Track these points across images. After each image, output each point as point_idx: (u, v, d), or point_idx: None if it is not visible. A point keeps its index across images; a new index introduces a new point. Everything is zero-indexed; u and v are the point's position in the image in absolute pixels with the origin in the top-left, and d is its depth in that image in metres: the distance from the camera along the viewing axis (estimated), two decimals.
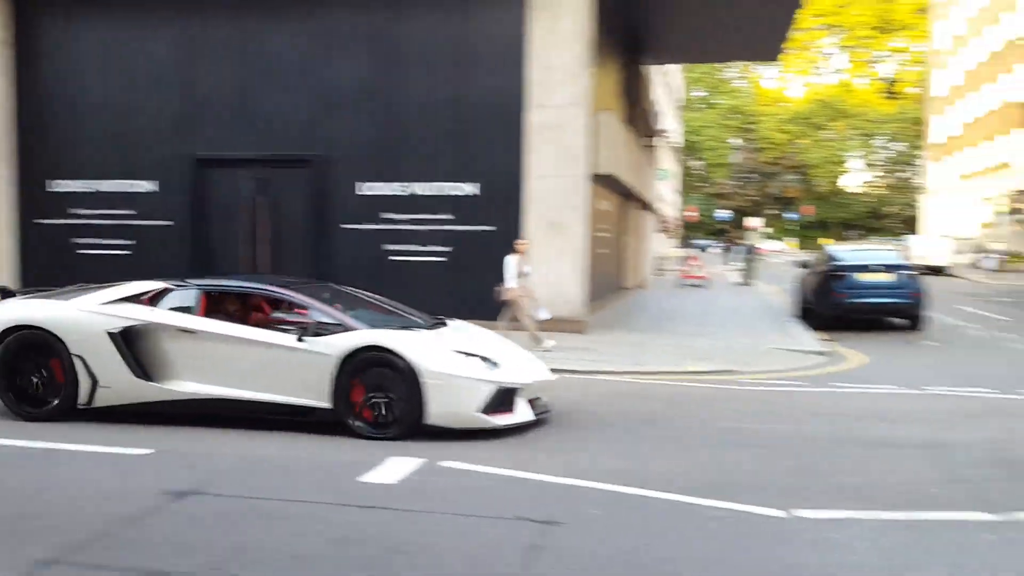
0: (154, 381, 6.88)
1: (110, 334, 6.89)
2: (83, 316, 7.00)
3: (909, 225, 63.94)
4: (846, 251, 17.64)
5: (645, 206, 26.64)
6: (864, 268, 15.66)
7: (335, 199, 14.53)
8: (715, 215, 65.27)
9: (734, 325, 15.74)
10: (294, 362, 6.60)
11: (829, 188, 75.18)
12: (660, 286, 26.90)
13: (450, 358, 6.60)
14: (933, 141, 57.25)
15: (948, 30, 54.41)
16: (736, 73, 78.92)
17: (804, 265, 18.62)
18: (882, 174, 77.01)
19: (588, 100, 13.78)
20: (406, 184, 14.34)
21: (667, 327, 15.29)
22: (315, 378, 6.53)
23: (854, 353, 12.50)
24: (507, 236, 13.70)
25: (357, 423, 6.49)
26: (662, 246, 48.88)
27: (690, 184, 76.67)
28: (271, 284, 7.40)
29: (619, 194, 20.38)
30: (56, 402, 6.98)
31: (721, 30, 21.10)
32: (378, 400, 6.47)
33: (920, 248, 37.22)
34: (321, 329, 6.68)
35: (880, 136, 74.91)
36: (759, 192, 78.36)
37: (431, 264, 14.27)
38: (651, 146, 28.29)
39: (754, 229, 52.78)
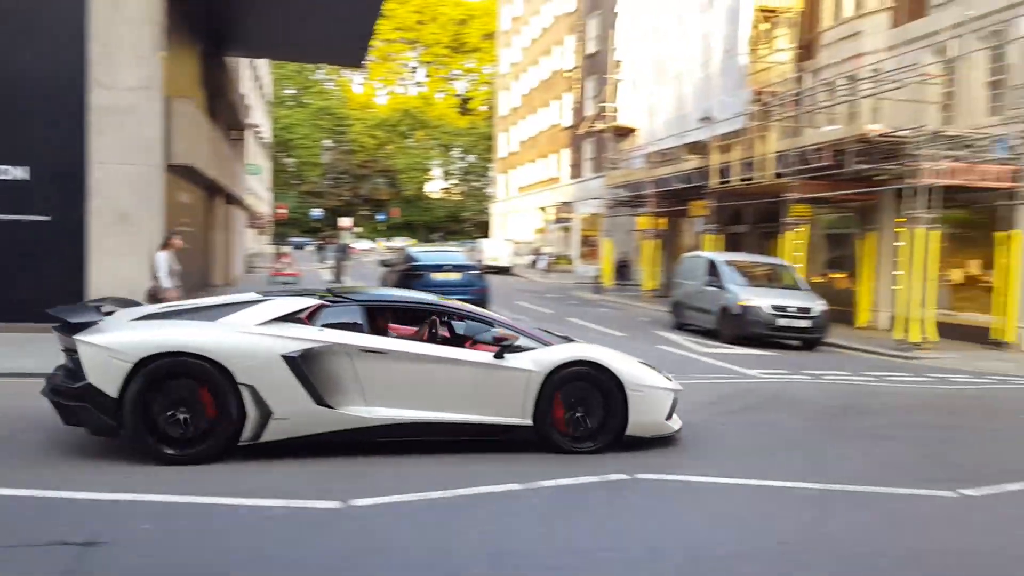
0: (336, 408, 6.06)
1: (287, 358, 5.98)
2: (250, 339, 6.02)
3: (483, 229, 70.86)
4: (422, 252, 19.03)
5: (235, 201, 25.72)
6: (438, 268, 17.12)
7: None
8: (311, 214, 65.44)
9: None
10: (495, 380, 6.45)
11: (415, 192, 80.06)
12: (251, 283, 26.19)
13: (643, 370, 6.93)
14: (500, 156, 64.12)
15: (511, 57, 61.37)
16: (325, 75, 79.92)
17: (385, 264, 19.64)
18: (458, 182, 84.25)
19: (160, 85, 12.92)
20: None
21: None
22: (517, 395, 6.46)
23: None
24: (64, 227, 12.33)
25: (560, 438, 6.50)
26: (254, 243, 47.55)
27: (284, 181, 75.81)
28: (430, 298, 7.17)
29: (203, 187, 19.42)
30: (212, 440, 5.85)
31: (304, 31, 21.23)
32: (578, 414, 6.54)
33: (491, 250, 41.58)
34: (517, 345, 6.62)
35: (456, 147, 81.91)
36: (351, 193, 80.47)
37: None
38: (240, 140, 27.40)
39: (347, 228, 54.05)
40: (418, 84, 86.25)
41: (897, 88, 16.75)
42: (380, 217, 77.02)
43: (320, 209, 63.91)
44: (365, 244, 68.36)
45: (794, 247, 19.03)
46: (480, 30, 78.86)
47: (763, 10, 23.35)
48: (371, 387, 6.20)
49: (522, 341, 6.76)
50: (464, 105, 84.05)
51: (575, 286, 32.43)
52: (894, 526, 5.23)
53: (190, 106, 14.75)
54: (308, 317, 6.34)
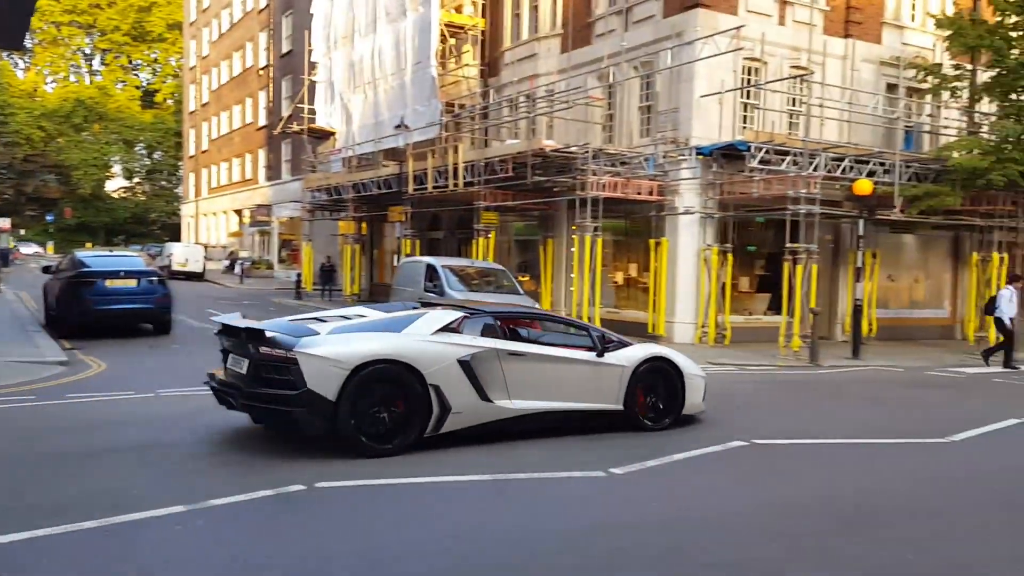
0: (493, 402, 7.30)
1: (461, 362, 7.14)
2: (432, 347, 7.08)
3: (173, 232, 65.81)
4: (94, 257, 17.20)
5: None
6: (112, 274, 15.62)
7: None
8: None
9: None
10: (598, 374, 8.00)
11: (92, 191, 72.10)
12: None
13: (691, 362, 8.69)
14: (191, 154, 60.10)
15: (199, 50, 57.77)
16: None
17: (48, 270, 17.64)
18: (143, 181, 77.37)
19: None
20: None
21: None
22: (613, 386, 8.04)
23: (96, 360, 12.34)
24: None
25: (642, 419, 8.18)
26: None
27: None
28: (542, 310, 9.26)
29: None
30: (405, 434, 6.90)
31: None
32: (652, 400, 8.27)
33: (180, 255, 38.66)
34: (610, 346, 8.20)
35: (140, 143, 75.13)
36: (13, 190, 70.54)
37: None
38: None
39: (6, 231, 47.28)
40: (93, 72, 77.83)
41: (567, 108, 18.45)
42: (49, 218, 68.38)
43: None
44: (34, 248, 61.24)
45: (485, 252, 20.15)
46: (165, 19, 73.20)
47: (450, 25, 24.40)
48: (513, 383, 7.47)
49: (613, 341, 8.37)
50: (148, 98, 77.39)
51: (275, 292, 31.43)
52: (557, 508, 5.75)
53: None
54: (458, 326, 7.43)
